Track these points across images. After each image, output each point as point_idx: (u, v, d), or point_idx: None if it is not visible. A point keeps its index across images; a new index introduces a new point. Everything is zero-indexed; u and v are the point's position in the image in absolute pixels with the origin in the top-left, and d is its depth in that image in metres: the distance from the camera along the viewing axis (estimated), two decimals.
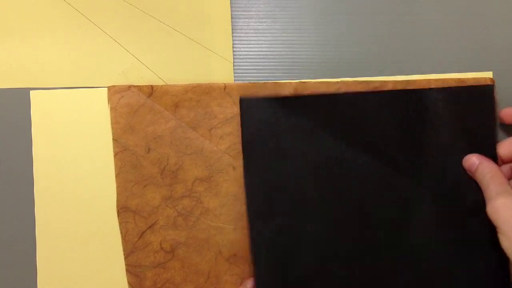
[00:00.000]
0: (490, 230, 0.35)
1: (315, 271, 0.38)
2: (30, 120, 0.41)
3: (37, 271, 0.41)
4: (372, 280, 0.39)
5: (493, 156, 0.38)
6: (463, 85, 0.40)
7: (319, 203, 0.39)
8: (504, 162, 0.39)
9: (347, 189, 0.39)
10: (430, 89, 0.39)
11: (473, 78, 0.41)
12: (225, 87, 0.40)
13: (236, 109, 0.40)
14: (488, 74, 0.41)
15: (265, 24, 0.42)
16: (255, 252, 0.38)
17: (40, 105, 0.41)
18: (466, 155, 0.39)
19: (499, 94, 0.40)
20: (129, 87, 0.40)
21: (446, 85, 0.40)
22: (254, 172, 0.38)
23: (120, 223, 0.40)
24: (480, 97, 0.39)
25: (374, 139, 0.39)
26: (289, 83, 0.41)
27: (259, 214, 0.38)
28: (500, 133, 0.41)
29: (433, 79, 0.41)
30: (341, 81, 0.41)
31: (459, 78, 0.41)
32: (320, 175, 0.39)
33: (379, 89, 0.41)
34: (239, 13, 0.42)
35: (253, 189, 0.38)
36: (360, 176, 0.39)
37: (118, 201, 0.40)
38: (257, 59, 0.42)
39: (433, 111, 0.39)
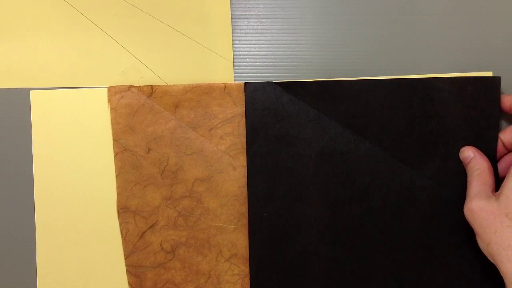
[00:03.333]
0: None
1: (310, 252, 0.39)
2: (30, 120, 0.41)
3: (37, 271, 0.41)
4: (366, 264, 0.40)
5: (493, 148, 0.39)
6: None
7: (320, 188, 0.39)
8: (508, 148, 0.39)
9: (349, 176, 0.39)
10: (436, 78, 0.39)
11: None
12: (225, 87, 0.40)
13: (236, 109, 0.40)
14: (488, 74, 0.41)
15: (265, 24, 0.42)
16: (252, 232, 0.39)
17: (40, 105, 0.41)
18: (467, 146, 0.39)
19: None
20: (129, 87, 0.40)
21: None
22: (257, 155, 0.39)
23: (121, 224, 0.40)
24: (486, 88, 0.39)
25: (378, 127, 0.39)
26: None
27: (259, 196, 0.39)
28: (504, 123, 0.41)
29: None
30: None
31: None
32: (323, 161, 0.39)
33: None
34: (239, 13, 0.42)
35: (254, 172, 0.39)
36: (362, 164, 0.39)
37: (118, 201, 0.40)
38: (257, 59, 0.42)
39: (438, 100, 0.39)
